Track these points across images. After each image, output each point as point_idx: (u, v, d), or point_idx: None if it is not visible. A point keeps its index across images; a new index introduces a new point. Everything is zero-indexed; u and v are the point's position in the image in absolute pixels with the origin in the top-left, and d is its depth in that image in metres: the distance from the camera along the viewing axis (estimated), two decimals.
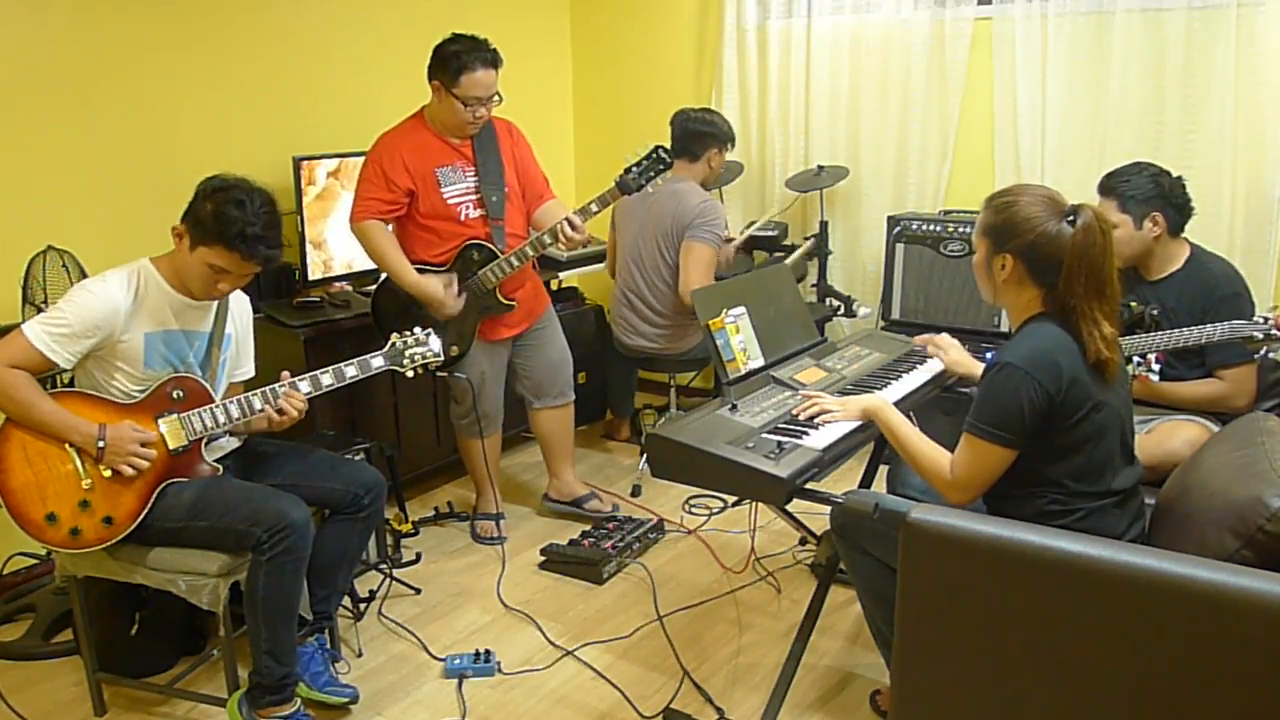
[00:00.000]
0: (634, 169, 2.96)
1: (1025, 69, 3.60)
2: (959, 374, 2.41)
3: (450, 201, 3.03)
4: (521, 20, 4.49)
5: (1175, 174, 2.62)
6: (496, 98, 2.98)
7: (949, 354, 2.43)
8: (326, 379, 2.34)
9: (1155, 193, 2.55)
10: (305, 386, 2.31)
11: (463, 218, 3.05)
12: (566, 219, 2.93)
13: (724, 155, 3.67)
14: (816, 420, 2.10)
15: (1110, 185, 2.62)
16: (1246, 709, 1.38)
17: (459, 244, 3.05)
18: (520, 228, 3.16)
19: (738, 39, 4.23)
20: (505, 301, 3.10)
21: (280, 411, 2.29)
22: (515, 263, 3.00)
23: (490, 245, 3.04)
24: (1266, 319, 2.31)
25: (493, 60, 2.92)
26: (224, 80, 3.38)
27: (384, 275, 3.12)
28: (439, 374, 3.10)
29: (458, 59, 2.89)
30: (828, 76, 4.04)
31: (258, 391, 2.28)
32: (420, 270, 3.02)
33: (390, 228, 3.06)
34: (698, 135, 3.56)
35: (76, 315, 2.10)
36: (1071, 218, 1.82)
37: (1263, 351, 2.36)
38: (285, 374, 2.32)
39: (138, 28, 3.13)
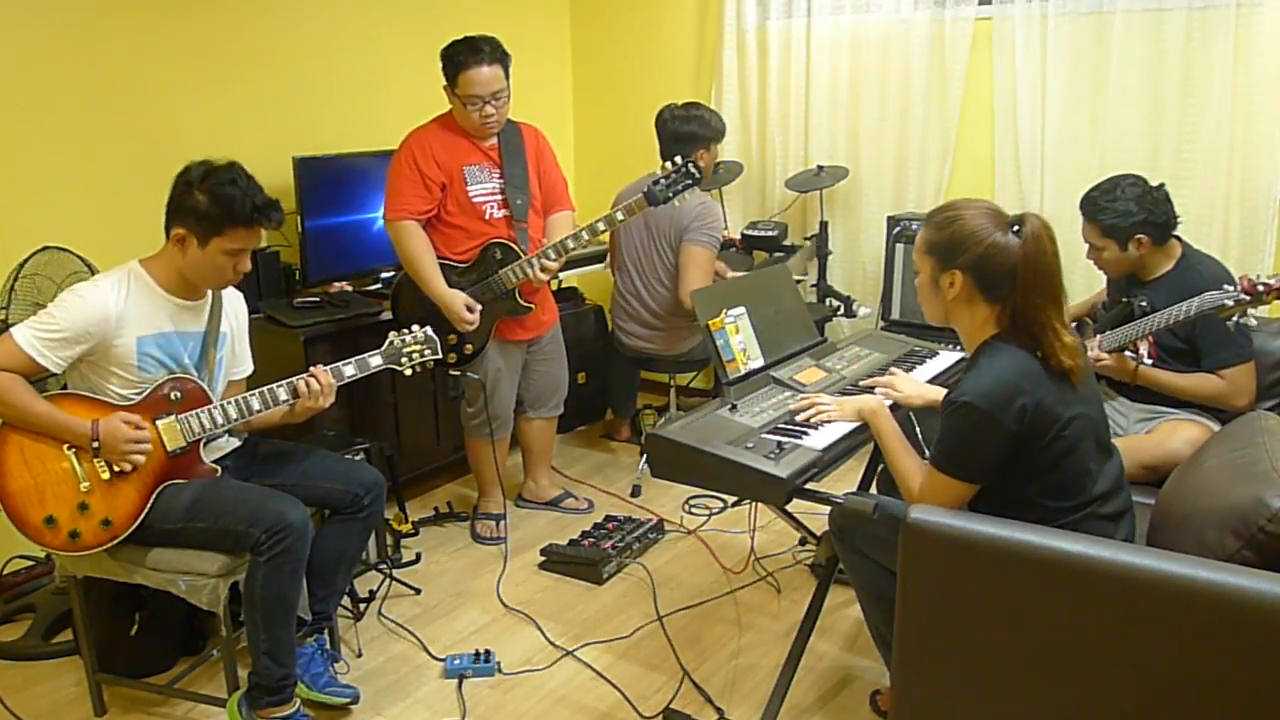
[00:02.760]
0: (663, 181, 2.96)
1: (1025, 69, 3.60)
2: (924, 405, 2.23)
3: (476, 200, 3.05)
4: (521, 21, 4.49)
5: (1157, 184, 2.61)
6: (505, 95, 2.99)
7: (903, 391, 2.23)
8: (282, 393, 2.31)
9: (1138, 218, 2.55)
10: (256, 403, 2.28)
11: (488, 216, 3.07)
12: (536, 257, 2.99)
13: (713, 153, 3.60)
14: (814, 420, 2.10)
15: (1092, 212, 2.63)
16: (1246, 709, 1.38)
17: (482, 243, 3.06)
18: (542, 233, 3.19)
19: (738, 39, 4.23)
20: (524, 303, 3.11)
21: (309, 392, 2.28)
22: (536, 264, 3.02)
23: (513, 246, 3.06)
24: (1235, 286, 2.33)
25: (491, 57, 2.93)
26: (225, 82, 3.38)
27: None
28: (451, 372, 3.12)
29: (454, 60, 2.93)
30: (828, 76, 4.04)
31: (256, 392, 2.28)
32: (442, 265, 3.04)
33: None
34: (683, 137, 3.49)
35: (67, 320, 2.10)
36: (1017, 228, 1.77)
37: (1236, 318, 2.36)
38: (317, 367, 2.33)
39: (140, 31, 3.13)
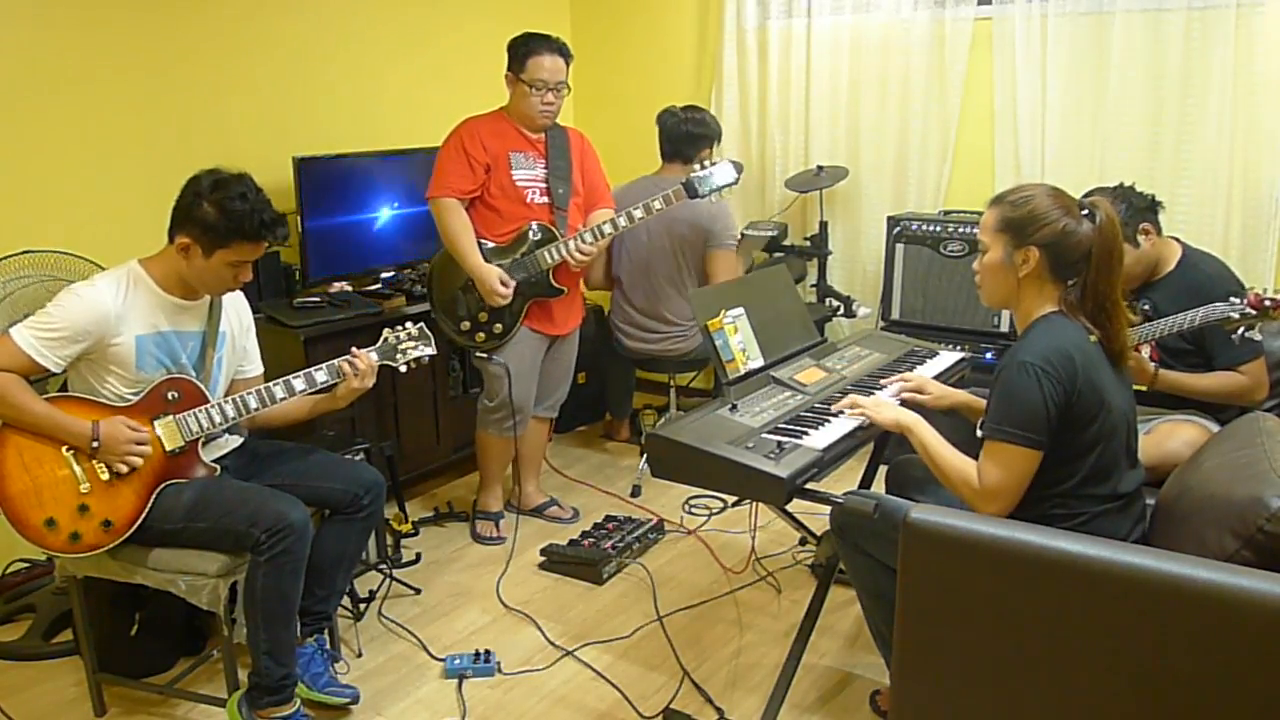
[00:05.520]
0: (704, 175, 3.05)
1: (1025, 69, 3.60)
2: (947, 406, 2.24)
3: (519, 184, 3.10)
4: (521, 21, 4.47)
5: (1119, 184, 2.62)
6: (565, 88, 3.09)
7: (931, 394, 2.24)
8: (320, 375, 2.34)
9: (1129, 212, 2.54)
10: (300, 384, 2.31)
11: (529, 200, 3.12)
12: (574, 239, 3.05)
13: (713, 154, 3.67)
14: (848, 413, 2.09)
15: None
16: (1246, 709, 1.38)
17: (521, 225, 3.10)
18: (582, 225, 3.22)
19: (738, 39, 4.23)
20: (556, 285, 3.14)
21: (354, 372, 2.34)
22: (573, 245, 3.07)
23: (551, 228, 3.11)
24: (1242, 299, 2.32)
25: (560, 50, 3.07)
26: (226, 82, 3.38)
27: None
28: (479, 355, 3.16)
29: (525, 45, 3.06)
30: (828, 76, 4.04)
31: (252, 390, 2.28)
32: (480, 244, 3.07)
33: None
34: (691, 137, 3.56)
35: (66, 319, 2.10)
36: (1087, 212, 1.84)
37: (1239, 331, 2.36)
38: (354, 350, 2.37)
39: (140, 33, 3.13)
